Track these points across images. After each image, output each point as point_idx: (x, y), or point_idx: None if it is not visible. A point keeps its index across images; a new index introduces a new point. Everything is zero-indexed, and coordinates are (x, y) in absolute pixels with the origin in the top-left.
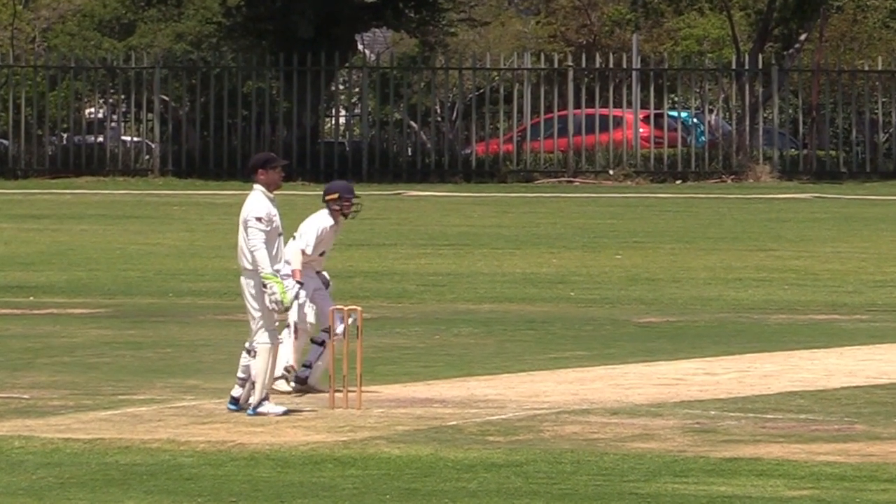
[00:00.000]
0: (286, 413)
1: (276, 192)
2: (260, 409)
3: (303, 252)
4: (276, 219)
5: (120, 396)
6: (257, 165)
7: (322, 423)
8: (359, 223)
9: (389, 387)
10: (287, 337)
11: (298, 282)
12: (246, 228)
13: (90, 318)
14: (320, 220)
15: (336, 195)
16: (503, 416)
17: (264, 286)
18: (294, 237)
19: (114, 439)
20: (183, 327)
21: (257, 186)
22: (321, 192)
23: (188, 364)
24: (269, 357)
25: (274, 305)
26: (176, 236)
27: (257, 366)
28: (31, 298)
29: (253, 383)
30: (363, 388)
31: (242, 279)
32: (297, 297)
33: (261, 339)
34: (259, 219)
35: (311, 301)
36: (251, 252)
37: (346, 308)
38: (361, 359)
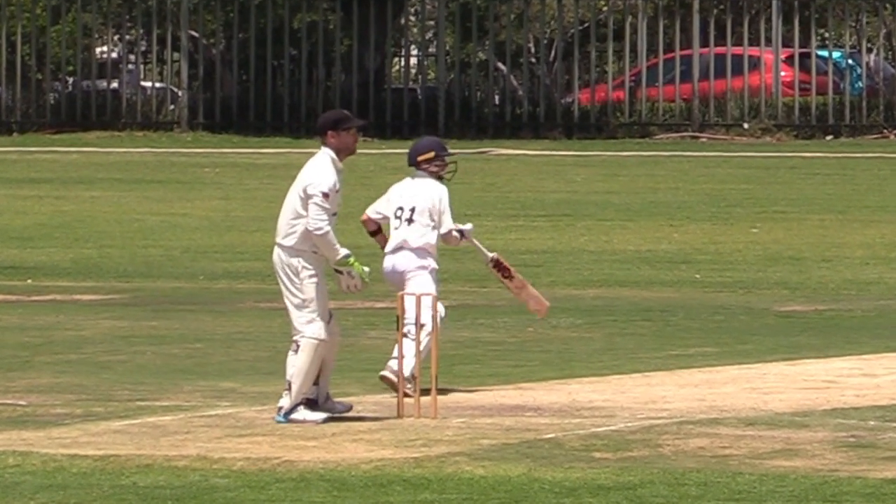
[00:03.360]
0: (326, 421)
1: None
2: (293, 416)
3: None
4: (340, 195)
5: (138, 403)
6: (327, 126)
7: (388, 436)
8: None
9: (472, 391)
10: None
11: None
12: (305, 202)
13: (101, 305)
14: (439, 188)
15: (431, 153)
16: (612, 428)
17: (338, 272)
18: (411, 218)
19: (131, 456)
20: (216, 317)
21: (326, 151)
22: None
23: (223, 363)
24: (313, 354)
25: (353, 290)
26: (208, 205)
27: (298, 363)
28: (29, 282)
29: (290, 384)
30: (439, 392)
31: (279, 257)
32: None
33: (310, 331)
34: (326, 195)
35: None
36: (316, 234)
37: (417, 294)
38: (437, 357)
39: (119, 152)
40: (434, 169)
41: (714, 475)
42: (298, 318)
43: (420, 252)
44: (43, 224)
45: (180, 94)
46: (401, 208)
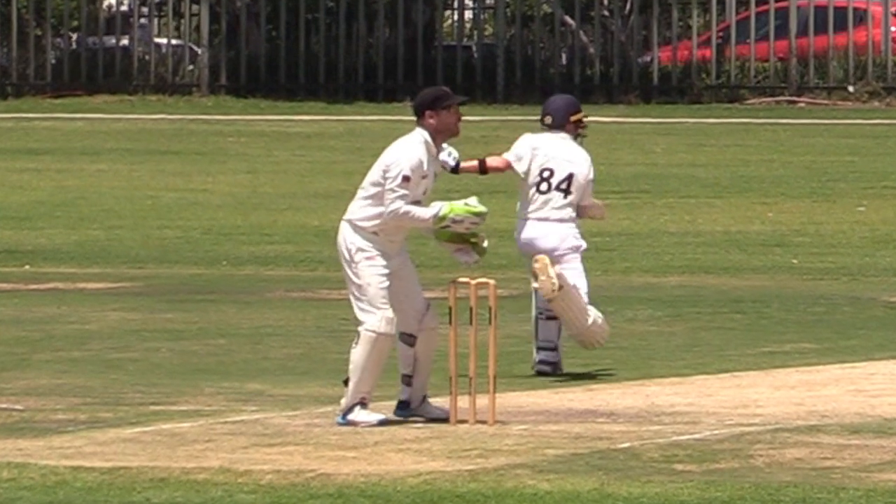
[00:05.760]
0: (382, 423)
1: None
2: (349, 417)
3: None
4: (429, 182)
5: (152, 407)
6: (424, 106)
7: (439, 445)
8: None
9: (534, 393)
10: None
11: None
12: (384, 179)
13: (110, 295)
14: (588, 157)
15: (581, 112)
16: (697, 436)
17: (447, 227)
18: (568, 189)
19: (143, 468)
20: (242, 309)
21: (421, 132)
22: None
23: (249, 361)
24: (370, 349)
25: (478, 220)
26: (232, 180)
27: (356, 357)
28: (27, 268)
29: (346, 381)
30: (497, 395)
31: (342, 235)
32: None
33: (367, 323)
34: (407, 178)
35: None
36: (395, 220)
37: (472, 282)
38: (495, 354)
39: (130, 119)
40: (580, 130)
41: (814, 490)
42: (357, 307)
43: (573, 226)
44: (42, 201)
45: (200, 52)
46: (550, 171)
